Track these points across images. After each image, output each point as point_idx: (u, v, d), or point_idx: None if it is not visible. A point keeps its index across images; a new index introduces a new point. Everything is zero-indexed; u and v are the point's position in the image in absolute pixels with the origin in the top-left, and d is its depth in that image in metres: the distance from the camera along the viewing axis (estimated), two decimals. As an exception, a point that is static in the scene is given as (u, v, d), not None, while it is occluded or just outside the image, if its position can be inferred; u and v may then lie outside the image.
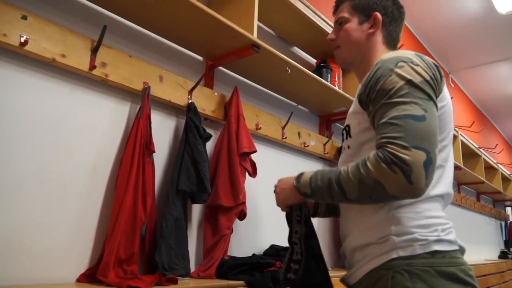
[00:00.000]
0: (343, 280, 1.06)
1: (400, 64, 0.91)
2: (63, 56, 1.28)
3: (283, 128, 2.19)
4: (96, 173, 1.37)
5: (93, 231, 1.34)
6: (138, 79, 1.48)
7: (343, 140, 1.09)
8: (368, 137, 0.97)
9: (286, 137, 2.19)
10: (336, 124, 2.77)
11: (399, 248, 0.89)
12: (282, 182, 1.09)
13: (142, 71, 1.50)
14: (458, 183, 4.76)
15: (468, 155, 4.57)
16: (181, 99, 1.63)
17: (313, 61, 2.56)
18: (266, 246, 1.98)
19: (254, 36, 1.66)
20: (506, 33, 4.29)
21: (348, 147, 1.03)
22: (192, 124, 1.57)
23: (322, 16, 2.24)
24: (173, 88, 1.61)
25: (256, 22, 1.70)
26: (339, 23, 1.14)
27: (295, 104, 2.37)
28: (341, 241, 1.09)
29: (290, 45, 2.45)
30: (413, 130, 0.82)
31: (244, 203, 1.69)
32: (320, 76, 2.20)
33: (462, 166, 3.91)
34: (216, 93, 1.81)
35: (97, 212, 1.36)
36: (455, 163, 3.75)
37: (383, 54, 1.02)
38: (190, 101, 1.64)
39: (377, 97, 0.91)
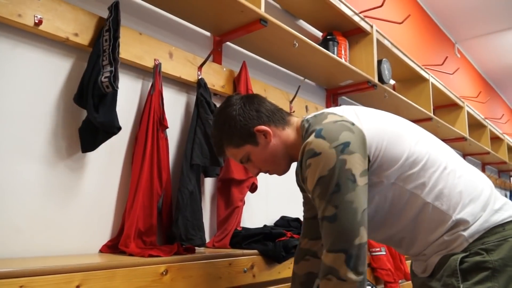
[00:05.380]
0: (413, 272, 1.13)
1: (308, 162, 0.95)
2: (76, 35, 1.30)
3: (290, 102, 2.21)
4: (112, 149, 1.41)
5: (112, 205, 1.39)
6: (149, 56, 1.50)
7: None
8: None
9: (294, 111, 2.22)
10: (343, 97, 2.78)
11: (469, 238, 0.95)
12: None
13: (152, 48, 1.52)
14: (464, 154, 4.79)
15: (474, 125, 4.57)
16: (191, 75, 1.65)
17: (319, 34, 2.55)
18: (277, 217, 2.04)
19: (262, 10, 1.67)
20: (513, 0, 4.22)
21: None
22: (203, 100, 1.60)
23: (328, -12, 2.22)
24: (182, 64, 1.63)
25: (263, -4, 1.70)
26: (245, 161, 1.15)
27: (302, 78, 2.38)
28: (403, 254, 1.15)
29: (296, 18, 2.44)
30: (329, 234, 0.92)
31: (255, 176, 1.74)
32: (327, 49, 2.20)
33: (468, 137, 3.92)
34: (224, 69, 1.83)
35: (115, 187, 1.41)
36: (461, 134, 3.77)
37: (295, 131, 1.12)
38: (200, 77, 1.67)
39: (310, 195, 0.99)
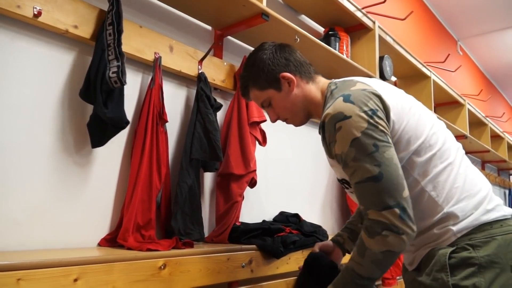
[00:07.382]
0: (404, 267, 1.13)
1: (338, 126, 0.95)
2: (75, 27, 1.29)
3: (291, 97, 2.19)
4: (112, 143, 1.40)
5: (111, 199, 1.39)
6: (149, 49, 1.49)
7: (347, 188, 1.13)
8: None
9: (294, 107, 2.20)
10: (344, 93, 2.76)
11: (457, 233, 0.97)
12: None
13: (153, 41, 1.51)
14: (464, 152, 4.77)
15: (475, 123, 4.56)
16: (191, 70, 1.64)
17: (321, 29, 2.54)
18: (276, 213, 2.04)
19: (264, 5, 1.65)
20: (517, -2, 4.19)
21: None
22: (203, 94, 1.59)
23: (331, -17, 2.20)
24: (183, 58, 1.62)
25: (265, -10, 1.69)
26: (266, 106, 1.18)
27: (303, 73, 2.37)
28: None
29: (298, 13, 2.42)
30: (378, 193, 0.91)
31: (254, 171, 1.73)
32: (329, 44, 2.19)
33: (468, 135, 3.91)
34: (225, 63, 1.82)
35: (114, 180, 1.41)
36: (461, 132, 3.76)
37: (319, 90, 1.14)
38: (200, 71, 1.66)
39: (338, 160, 0.99)
